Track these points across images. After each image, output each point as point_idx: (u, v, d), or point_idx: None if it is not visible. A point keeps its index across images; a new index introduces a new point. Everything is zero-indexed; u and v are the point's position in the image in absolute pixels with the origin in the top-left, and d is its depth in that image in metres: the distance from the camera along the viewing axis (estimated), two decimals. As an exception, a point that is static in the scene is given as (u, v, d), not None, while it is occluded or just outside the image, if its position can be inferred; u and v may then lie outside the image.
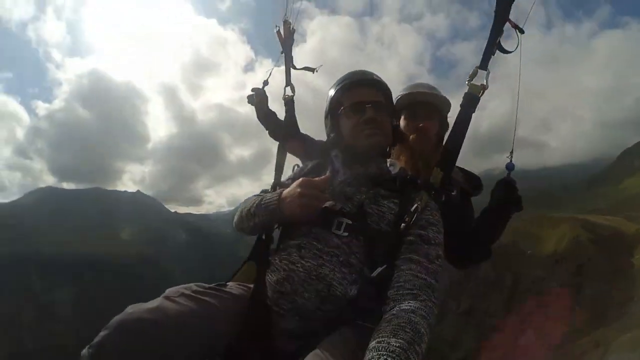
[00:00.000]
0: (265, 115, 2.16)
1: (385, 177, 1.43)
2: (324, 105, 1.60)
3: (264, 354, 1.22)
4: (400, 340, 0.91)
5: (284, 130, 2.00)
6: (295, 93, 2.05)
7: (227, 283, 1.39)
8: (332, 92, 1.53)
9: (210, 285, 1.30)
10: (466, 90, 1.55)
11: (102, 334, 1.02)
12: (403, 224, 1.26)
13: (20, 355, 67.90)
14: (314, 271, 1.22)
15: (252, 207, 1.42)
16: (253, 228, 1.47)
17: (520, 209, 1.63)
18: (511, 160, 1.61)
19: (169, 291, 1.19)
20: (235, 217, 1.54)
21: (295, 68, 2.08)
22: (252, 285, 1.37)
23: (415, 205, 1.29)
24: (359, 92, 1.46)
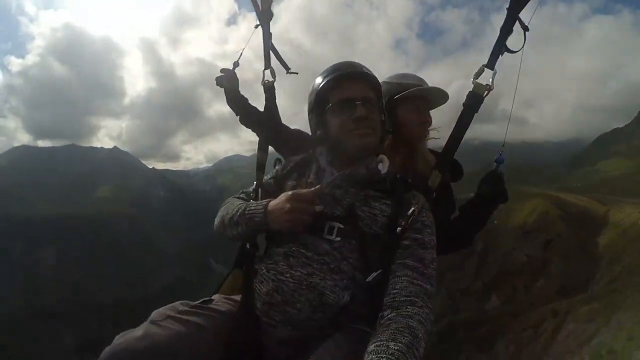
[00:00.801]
0: (236, 100, 1.95)
1: (375, 177, 1.36)
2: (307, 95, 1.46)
3: None
4: (399, 344, 0.92)
5: (264, 121, 1.83)
6: (276, 78, 1.85)
7: (213, 298, 1.35)
8: (318, 85, 1.38)
9: (196, 303, 1.26)
10: (470, 89, 1.50)
11: None
12: (399, 228, 1.22)
13: (4, 315, 67.22)
14: (304, 281, 1.18)
15: (235, 216, 1.35)
16: (235, 237, 1.41)
17: (506, 201, 1.60)
18: (502, 154, 1.58)
19: (154, 314, 1.17)
20: (216, 221, 1.46)
21: (272, 49, 1.86)
22: (238, 298, 1.34)
23: (412, 208, 1.25)
24: (348, 87, 1.34)
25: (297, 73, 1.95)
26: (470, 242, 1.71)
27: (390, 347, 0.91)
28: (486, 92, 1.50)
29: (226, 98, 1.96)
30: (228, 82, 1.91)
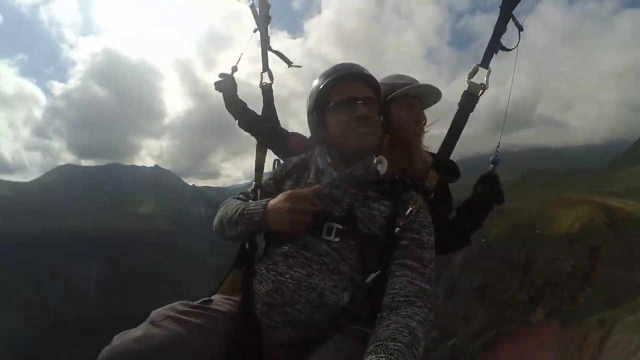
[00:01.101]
0: (234, 104, 1.94)
1: (374, 178, 1.37)
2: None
3: None
4: (398, 344, 0.92)
5: (262, 123, 1.85)
6: (274, 80, 1.87)
7: (213, 298, 1.34)
8: (318, 86, 1.41)
9: (196, 304, 1.25)
10: (465, 89, 1.50)
11: None
12: (397, 229, 1.23)
13: (47, 330, 69.95)
14: (304, 281, 1.18)
15: (235, 216, 1.35)
16: (235, 237, 1.41)
17: (501, 203, 1.61)
18: (497, 155, 1.59)
19: (154, 314, 1.16)
20: (215, 222, 1.47)
21: (271, 50, 1.90)
22: (238, 298, 1.33)
23: (410, 209, 1.27)
24: (349, 87, 1.37)
25: (300, 66, 1.95)
26: (468, 242, 1.70)
27: (390, 346, 0.90)
28: (481, 91, 1.48)
29: (225, 103, 1.93)
30: (226, 87, 1.90)
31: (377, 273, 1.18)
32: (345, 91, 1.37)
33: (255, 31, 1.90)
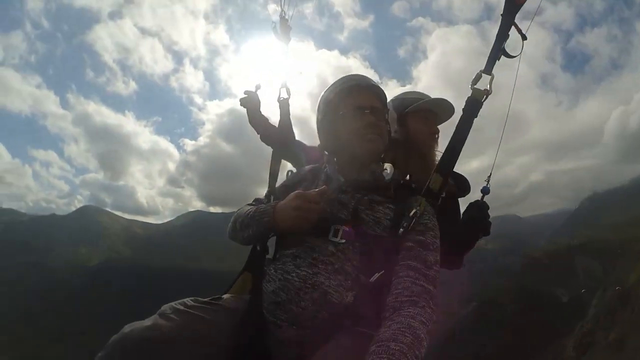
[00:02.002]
0: (257, 120, 2.05)
1: (380, 183, 1.43)
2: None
3: None
4: (400, 344, 0.91)
5: (278, 135, 1.91)
6: (291, 95, 1.90)
7: (223, 296, 1.37)
8: (328, 96, 1.50)
9: (206, 300, 1.26)
10: (469, 95, 1.51)
11: (100, 355, 1.03)
12: (402, 229, 1.26)
13: None
14: (309, 279, 1.20)
15: (246, 219, 1.40)
16: (246, 239, 1.45)
17: (487, 234, 1.64)
18: (488, 184, 1.61)
19: (163, 307, 1.16)
20: (229, 227, 1.51)
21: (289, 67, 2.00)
22: (247, 297, 1.34)
23: (414, 210, 1.29)
24: (359, 97, 1.45)
25: (301, 72, 2.19)
26: (459, 264, 1.72)
27: (391, 347, 0.90)
28: (485, 96, 1.48)
29: (248, 118, 2.03)
30: (251, 103, 2.00)
31: (381, 273, 1.20)
32: (355, 100, 1.44)
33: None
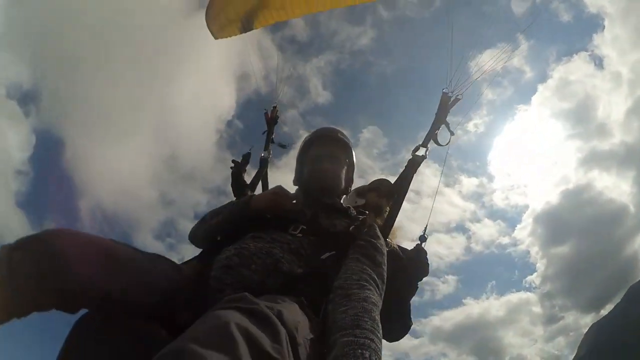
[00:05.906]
0: (237, 185, 2.21)
1: (337, 206, 1.76)
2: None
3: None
4: (364, 331, 0.96)
5: (247, 186, 2.18)
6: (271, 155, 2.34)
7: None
8: (304, 141, 1.92)
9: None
10: (410, 158, 1.89)
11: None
12: (353, 227, 1.48)
13: None
14: (265, 249, 1.30)
15: (218, 208, 1.62)
16: (212, 227, 1.57)
17: (426, 274, 1.79)
18: (424, 234, 1.85)
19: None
20: (195, 224, 1.65)
21: (273, 142, 2.43)
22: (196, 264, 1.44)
23: (365, 216, 1.56)
24: (322, 146, 1.85)
25: (287, 145, 2.51)
26: (406, 327, 1.79)
27: (357, 334, 0.94)
28: (422, 161, 1.88)
29: (231, 183, 2.21)
30: (235, 171, 2.20)
31: (332, 252, 1.33)
32: (318, 149, 1.85)
33: (263, 133, 2.46)
